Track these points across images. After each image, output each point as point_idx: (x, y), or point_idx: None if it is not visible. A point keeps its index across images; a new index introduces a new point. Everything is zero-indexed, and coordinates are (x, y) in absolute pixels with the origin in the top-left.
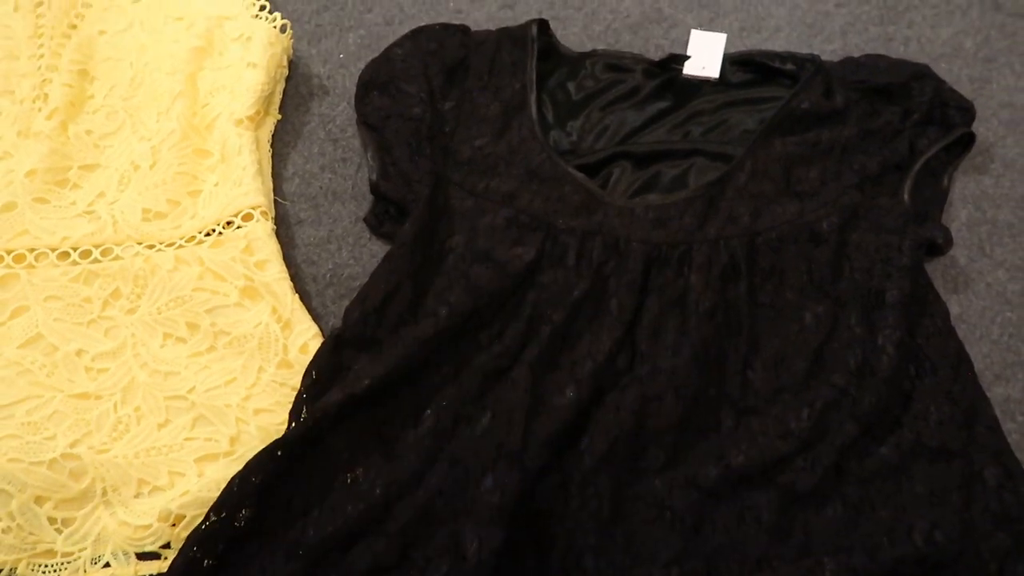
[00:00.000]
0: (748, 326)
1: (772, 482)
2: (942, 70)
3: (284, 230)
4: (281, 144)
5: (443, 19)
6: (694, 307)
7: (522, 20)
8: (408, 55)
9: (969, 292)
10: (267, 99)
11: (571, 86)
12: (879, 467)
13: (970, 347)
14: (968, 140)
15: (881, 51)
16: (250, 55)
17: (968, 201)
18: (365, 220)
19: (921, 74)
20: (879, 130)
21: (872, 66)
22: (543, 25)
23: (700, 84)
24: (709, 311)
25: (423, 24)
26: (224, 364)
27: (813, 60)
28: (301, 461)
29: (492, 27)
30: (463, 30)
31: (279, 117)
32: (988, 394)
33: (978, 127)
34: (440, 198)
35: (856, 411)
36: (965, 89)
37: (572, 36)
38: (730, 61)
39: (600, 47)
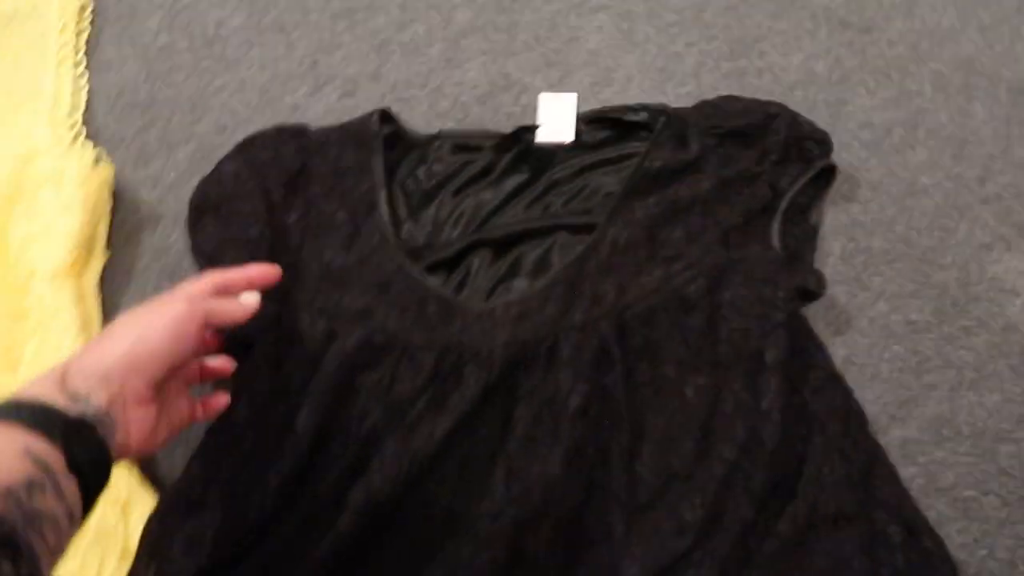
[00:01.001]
0: (629, 413)
1: None
2: (798, 98)
3: None
4: (111, 286)
5: (280, 117)
6: (563, 407)
7: (364, 108)
8: (240, 170)
9: (853, 331)
10: (89, 241)
11: (421, 173)
12: (778, 547)
13: (861, 390)
14: (830, 172)
15: (735, 86)
16: (62, 197)
17: (840, 233)
18: None
19: (774, 112)
20: (737, 178)
21: (726, 109)
22: (385, 115)
23: (555, 151)
24: (581, 408)
25: (260, 128)
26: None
27: (663, 111)
28: None
29: (334, 119)
30: (299, 132)
31: (107, 256)
32: (884, 438)
33: (840, 153)
34: (288, 325)
35: (749, 488)
36: (823, 114)
37: (418, 117)
38: (583, 121)
39: (449, 125)
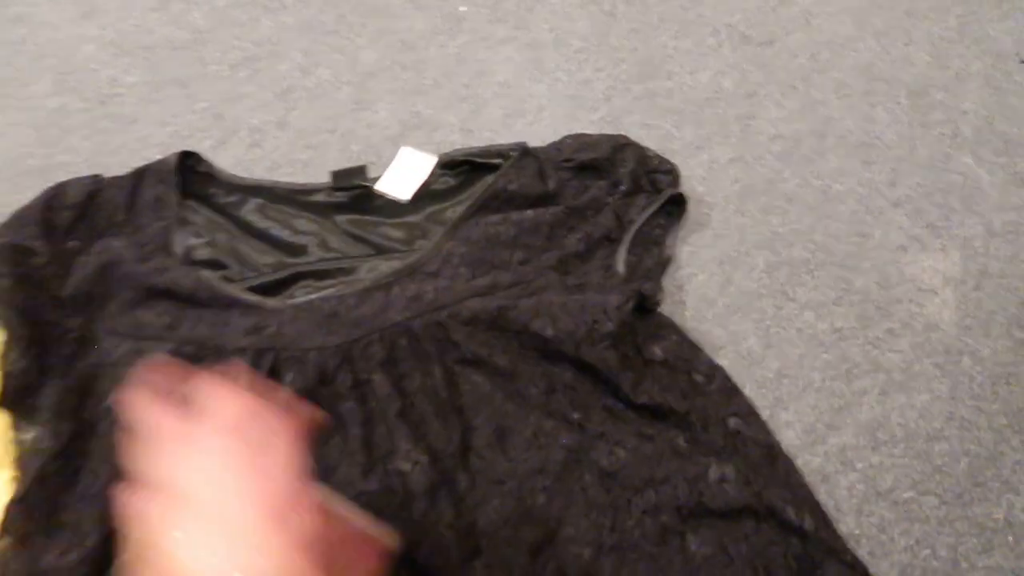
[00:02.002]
0: (451, 411)
1: None
2: (709, 115)
3: None
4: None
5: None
6: (384, 404)
7: (273, 158)
8: (19, 215)
9: (783, 342)
10: None
11: (245, 212)
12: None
13: (795, 400)
14: (680, 204)
15: (647, 107)
16: None
17: (763, 246)
18: None
19: (622, 144)
20: (585, 206)
21: (576, 144)
22: (189, 155)
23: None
24: (402, 405)
25: None
26: None
27: (520, 147)
28: None
29: (241, 169)
30: (93, 178)
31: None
32: (823, 448)
33: (755, 166)
34: (88, 356)
35: (593, 474)
36: (734, 129)
37: (331, 162)
38: (439, 166)
39: (360, 163)
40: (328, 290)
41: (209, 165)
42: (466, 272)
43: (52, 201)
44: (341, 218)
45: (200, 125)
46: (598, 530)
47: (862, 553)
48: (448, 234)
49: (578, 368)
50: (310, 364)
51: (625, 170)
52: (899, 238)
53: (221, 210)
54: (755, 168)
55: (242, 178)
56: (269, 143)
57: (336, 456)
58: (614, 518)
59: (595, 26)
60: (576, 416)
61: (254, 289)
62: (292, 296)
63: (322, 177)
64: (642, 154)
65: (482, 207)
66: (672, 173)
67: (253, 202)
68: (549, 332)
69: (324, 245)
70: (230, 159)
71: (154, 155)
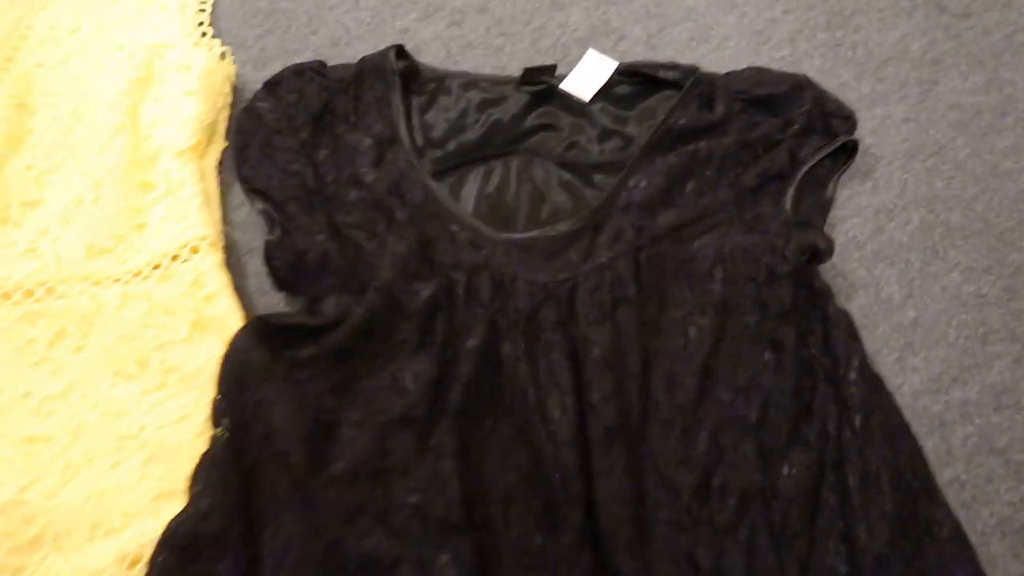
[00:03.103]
0: (639, 351)
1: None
2: (889, 73)
3: (234, 260)
4: (228, 171)
5: (389, 38)
6: (584, 342)
7: (470, 39)
8: (273, 108)
9: (924, 296)
10: (210, 128)
11: (442, 104)
12: (791, 491)
13: (927, 350)
14: (852, 149)
15: (829, 56)
16: (189, 83)
17: (921, 204)
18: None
19: (801, 85)
20: (757, 141)
21: (754, 78)
22: (400, 51)
23: (575, 99)
24: (601, 344)
25: (371, 45)
26: (176, 401)
27: (694, 71)
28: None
29: (439, 45)
30: (319, 72)
31: (225, 144)
32: (945, 397)
33: (928, 129)
34: (346, 243)
35: (749, 429)
36: (913, 92)
37: (520, 52)
38: (618, 73)
39: (549, 62)
40: (542, 208)
41: (412, 59)
42: (653, 208)
43: (291, 109)
44: (531, 115)
45: None
46: (751, 472)
47: (964, 497)
48: (631, 171)
49: (755, 309)
50: (519, 295)
51: (802, 110)
52: None
53: (431, 97)
54: (928, 131)
55: (440, 69)
56: (468, 24)
57: (543, 388)
58: (766, 461)
59: None
60: (746, 360)
61: (450, 169)
62: (487, 184)
63: (511, 63)
64: (822, 96)
65: (657, 143)
66: (850, 119)
67: (454, 90)
68: (730, 274)
69: (509, 133)
70: (430, 34)
71: (366, 17)
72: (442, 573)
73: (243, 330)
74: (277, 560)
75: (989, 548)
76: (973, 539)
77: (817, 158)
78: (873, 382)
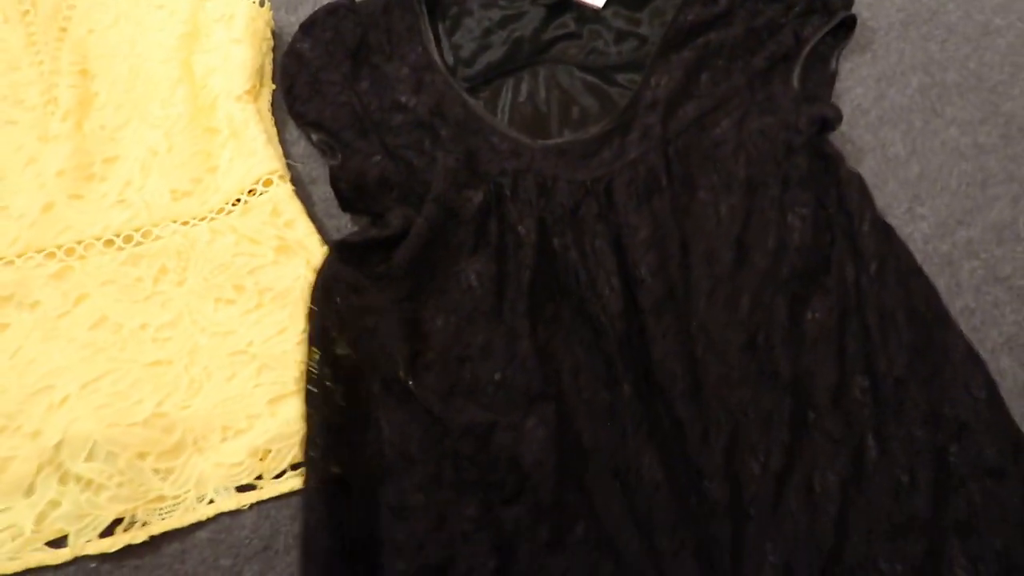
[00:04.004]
0: (677, 232)
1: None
2: None
3: (300, 189)
4: (279, 111)
5: None
6: (627, 228)
7: None
8: (312, 47)
9: (927, 151)
10: (259, 71)
11: (467, 25)
12: (817, 331)
13: (932, 199)
14: (851, 24)
15: None
16: (235, 32)
17: (918, 68)
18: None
19: None
20: (763, 27)
21: None
22: None
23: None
24: (642, 228)
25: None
26: (273, 317)
27: None
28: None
29: None
30: (350, 8)
31: (273, 87)
32: (952, 238)
33: None
34: (399, 162)
35: (782, 283)
36: None
37: None
38: None
39: None
40: (570, 132)
41: None
42: (674, 100)
43: (329, 47)
44: (551, 25)
45: None
46: (784, 321)
47: (975, 322)
48: (651, 70)
49: (777, 181)
50: (562, 193)
51: None
52: None
53: (455, 20)
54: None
55: None
56: None
57: (592, 271)
58: (792, 312)
59: None
60: (774, 228)
61: (481, 85)
62: (518, 93)
63: None
64: None
65: (670, 41)
66: None
67: (476, 11)
68: (751, 154)
69: (531, 46)
70: None
71: None
72: (531, 433)
73: (328, 255)
74: (391, 444)
75: (998, 363)
76: (984, 357)
77: (819, 36)
78: (885, 231)
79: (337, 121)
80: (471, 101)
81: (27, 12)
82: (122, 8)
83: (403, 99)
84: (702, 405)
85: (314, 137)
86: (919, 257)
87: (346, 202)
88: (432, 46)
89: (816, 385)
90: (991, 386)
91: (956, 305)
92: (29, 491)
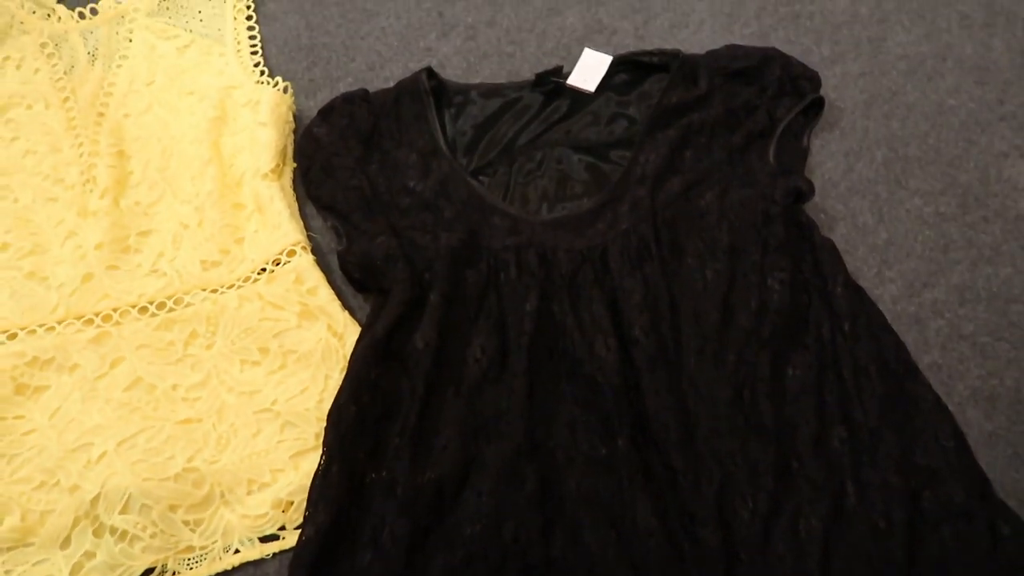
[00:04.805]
0: (667, 295)
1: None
2: (844, 36)
3: (321, 259)
4: (299, 187)
5: (416, 58)
6: (627, 296)
7: (485, 50)
8: (329, 132)
9: (892, 219)
10: (282, 152)
11: (470, 112)
12: (798, 387)
13: (899, 263)
14: (819, 104)
15: (791, 27)
16: (260, 117)
17: (882, 144)
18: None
19: (770, 55)
20: (740, 107)
21: (730, 54)
22: (430, 72)
23: (581, 93)
24: (635, 292)
25: (402, 67)
26: (296, 377)
27: (677, 55)
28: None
29: (459, 58)
30: (364, 97)
31: (294, 165)
32: (919, 299)
33: (880, 79)
34: (404, 241)
35: (764, 342)
36: (866, 49)
37: (529, 55)
38: (613, 63)
39: (555, 62)
40: (566, 205)
41: (440, 77)
42: (661, 179)
43: (344, 132)
44: (547, 111)
45: (427, 21)
46: (767, 378)
47: (942, 376)
48: (639, 148)
49: (757, 247)
50: (561, 262)
51: (773, 77)
52: (1002, 146)
53: (459, 108)
54: (881, 81)
55: (463, 84)
56: (481, 37)
57: (588, 334)
58: (774, 368)
59: None
60: (756, 289)
61: (484, 167)
62: (514, 176)
63: (522, 66)
64: (788, 63)
65: (657, 121)
66: (814, 80)
67: (478, 100)
68: (733, 222)
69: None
70: (450, 49)
71: (393, 42)
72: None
73: (356, 346)
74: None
75: (965, 414)
76: (951, 409)
77: (791, 115)
78: (857, 292)
79: (348, 204)
80: (474, 183)
81: (67, 99)
82: (155, 94)
83: (411, 184)
84: (694, 455)
85: (329, 222)
86: (889, 316)
87: (357, 284)
88: (438, 133)
89: (798, 435)
90: (959, 436)
91: (924, 360)
92: (66, 543)
